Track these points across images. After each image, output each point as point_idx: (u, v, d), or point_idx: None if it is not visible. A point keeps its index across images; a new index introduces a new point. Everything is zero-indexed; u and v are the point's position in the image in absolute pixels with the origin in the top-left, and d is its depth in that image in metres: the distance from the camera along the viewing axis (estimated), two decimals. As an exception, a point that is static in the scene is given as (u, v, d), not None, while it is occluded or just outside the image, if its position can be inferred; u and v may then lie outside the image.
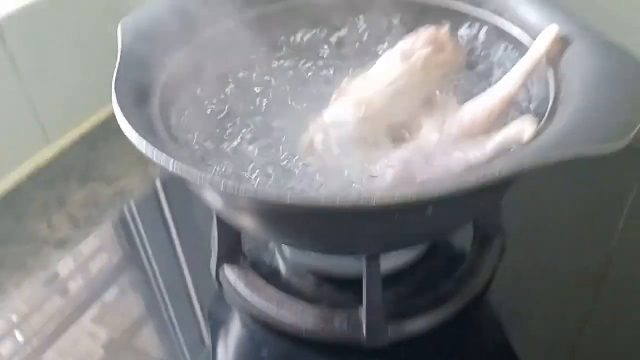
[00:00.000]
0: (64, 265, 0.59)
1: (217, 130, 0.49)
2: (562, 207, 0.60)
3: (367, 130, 0.45)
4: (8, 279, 0.58)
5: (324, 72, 0.55)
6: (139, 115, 0.43)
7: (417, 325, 0.48)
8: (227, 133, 0.49)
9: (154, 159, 0.37)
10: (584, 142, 0.34)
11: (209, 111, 0.51)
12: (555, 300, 0.51)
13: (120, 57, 0.47)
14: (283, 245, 0.55)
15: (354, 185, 0.42)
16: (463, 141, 0.43)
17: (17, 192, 0.68)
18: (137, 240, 0.62)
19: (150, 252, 0.60)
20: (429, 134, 0.45)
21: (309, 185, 0.44)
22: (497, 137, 0.42)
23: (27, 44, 0.67)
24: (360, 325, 0.47)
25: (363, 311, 0.46)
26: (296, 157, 0.46)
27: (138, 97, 0.45)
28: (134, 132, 0.38)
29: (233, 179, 0.36)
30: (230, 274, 0.53)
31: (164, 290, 0.56)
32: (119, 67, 0.45)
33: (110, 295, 0.57)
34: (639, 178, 0.63)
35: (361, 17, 0.57)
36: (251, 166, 0.45)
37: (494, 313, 0.51)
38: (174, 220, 0.63)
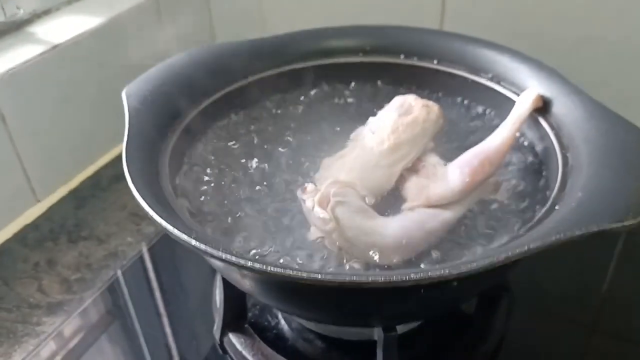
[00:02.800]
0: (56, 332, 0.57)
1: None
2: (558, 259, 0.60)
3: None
4: (-3, 348, 0.55)
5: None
6: (150, 182, 0.42)
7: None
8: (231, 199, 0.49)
9: (176, 237, 0.36)
10: (604, 219, 0.35)
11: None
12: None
13: (128, 125, 0.46)
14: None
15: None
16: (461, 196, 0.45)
17: (5, 252, 0.65)
18: (126, 306, 0.60)
19: (136, 319, 0.58)
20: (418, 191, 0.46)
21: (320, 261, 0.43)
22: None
23: (16, 102, 0.65)
24: (374, 393, 0.46)
25: (377, 379, 0.45)
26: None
27: (148, 160, 0.45)
28: (152, 210, 0.37)
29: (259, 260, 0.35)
30: (235, 341, 0.51)
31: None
32: (128, 135, 0.44)
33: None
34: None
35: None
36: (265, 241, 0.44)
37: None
38: (163, 287, 0.62)
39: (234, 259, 0.34)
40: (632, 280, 0.58)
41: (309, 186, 0.43)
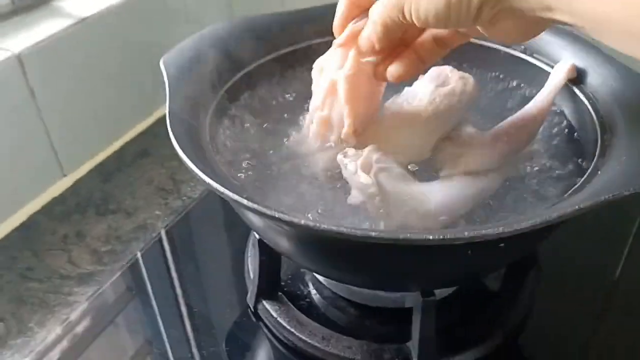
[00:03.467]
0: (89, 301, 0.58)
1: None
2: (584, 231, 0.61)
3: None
4: (30, 316, 0.56)
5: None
6: (194, 147, 0.43)
7: (465, 358, 0.48)
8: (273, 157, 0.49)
9: (230, 198, 0.36)
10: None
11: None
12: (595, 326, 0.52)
13: (169, 93, 0.46)
14: (321, 277, 0.54)
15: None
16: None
17: (33, 225, 0.66)
18: (158, 277, 0.60)
19: (170, 288, 0.59)
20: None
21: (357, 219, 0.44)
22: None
23: (44, 76, 0.66)
24: (410, 359, 0.47)
25: (414, 345, 0.46)
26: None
27: (188, 125, 0.45)
28: (204, 174, 0.38)
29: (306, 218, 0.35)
30: (270, 308, 0.52)
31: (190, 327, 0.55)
32: (170, 103, 0.45)
33: (138, 334, 0.55)
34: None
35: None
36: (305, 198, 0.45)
37: (536, 342, 0.52)
38: (194, 257, 0.63)
39: (287, 217, 0.35)
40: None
41: (350, 150, 0.43)
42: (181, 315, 0.56)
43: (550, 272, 0.56)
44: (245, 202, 0.36)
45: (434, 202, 0.42)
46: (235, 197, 0.36)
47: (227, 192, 0.36)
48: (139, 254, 0.61)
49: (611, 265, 0.58)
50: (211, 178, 0.37)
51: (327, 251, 0.40)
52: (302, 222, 0.34)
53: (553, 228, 0.37)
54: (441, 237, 0.32)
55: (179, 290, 0.58)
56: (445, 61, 0.53)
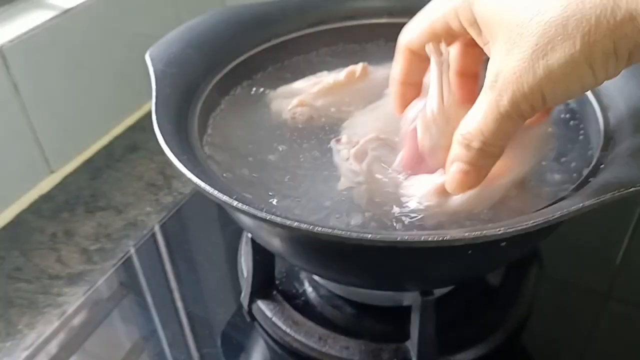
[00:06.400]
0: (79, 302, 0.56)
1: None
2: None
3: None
4: (19, 318, 0.54)
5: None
6: (181, 143, 0.41)
7: (466, 357, 0.47)
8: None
9: (218, 199, 0.35)
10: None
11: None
12: (597, 322, 0.51)
13: (155, 89, 0.44)
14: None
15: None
16: None
17: (20, 223, 0.64)
18: (150, 276, 0.59)
19: (163, 287, 0.57)
20: None
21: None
22: None
23: (28, 70, 0.64)
24: (409, 359, 0.46)
25: (413, 344, 0.45)
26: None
27: (176, 122, 0.43)
28: (192, 174, 0.36)
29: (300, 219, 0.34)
30: (265, 308, 0.51)
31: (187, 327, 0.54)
32: (156, 100, 0.43)
33: (130, 334, 0.54)
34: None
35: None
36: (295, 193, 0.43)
37: (538, 339, 0.51)
38: (186, 256, 0.61)
39: (278, 219, 0.33)
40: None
41: (344, 138, 0.44)
42: (175, 316, 0.54)
43: (552, 267, 0.54)
44: (235, 203, 0.34)
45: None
46: (224, 198, 0.34)
47: (215, 193, 0.35)
48: (132, 250, 0.60)
49: (613, 257, 0.57)
50: (199, 178, 0.36)
51: (321, 252, 0.39)
52: (295, 224, 0.33)
53: (555, 226, 0.35)
54: (440, 238, 0.31)
55: (172, 290, 0.57)
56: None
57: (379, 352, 0.47)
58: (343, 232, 0.32)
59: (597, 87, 0.46)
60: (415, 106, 0.41)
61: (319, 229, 0.32)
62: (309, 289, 0.53)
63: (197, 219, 0.64)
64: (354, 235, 0.32)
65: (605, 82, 0.43)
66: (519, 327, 0.49)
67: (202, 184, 0.35)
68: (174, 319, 0.54)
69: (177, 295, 0.56)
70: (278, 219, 0.33)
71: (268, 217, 0.33)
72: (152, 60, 0.47)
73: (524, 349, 0.49)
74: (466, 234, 0.31)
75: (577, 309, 0.52)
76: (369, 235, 0.32)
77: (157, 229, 0.63)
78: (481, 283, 0.53)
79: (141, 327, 0.54)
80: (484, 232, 0.31)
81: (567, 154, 0.45)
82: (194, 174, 0.36)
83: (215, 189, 0.35)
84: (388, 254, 0.35)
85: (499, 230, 0.31)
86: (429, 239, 0.31)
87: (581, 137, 0.46)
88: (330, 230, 0.32)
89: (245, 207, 0.34)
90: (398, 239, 0.32)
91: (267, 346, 0.50)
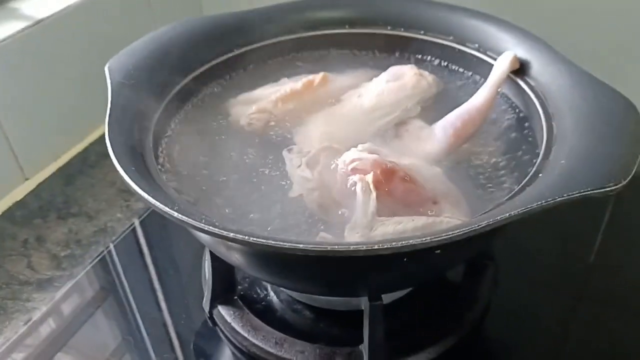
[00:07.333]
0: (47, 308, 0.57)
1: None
2: (544, 229, 0.61)
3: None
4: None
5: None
6: (134, 157, 0.42)
7: (419, 358, 0.48)
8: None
9: (160, 210, 0.36)
10: (587, 185, 0.35)
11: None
12: (552, 323, 0.52)
13: (111, 104, 0.45)
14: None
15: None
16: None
17: (-6, 230, 0.65)
18: (117, 281, 0.60)
19: (130, 292, 0.58)
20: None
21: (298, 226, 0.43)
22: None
23: (2, 79, 0.65)
24: (361, 363, 0.47)
25: (365, 349, 0.46)
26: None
27: (129, 134, 0.44)
28: (137, 186, 0.37)
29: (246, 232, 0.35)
30: (225, 313, 0.52)
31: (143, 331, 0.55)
32: (109, 118, 0.44)
33: (95, 341, 0.55)
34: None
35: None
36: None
37: (492, 343, 0.52)
38: (154, 261, 0.62)
39: (216, 230, 0.34)
40: (618, 249, 0.59)
41: (296, 147, 0.46)
42: (137, 322, 0.55)
43: (506, 268, 0.55)
44: (174, 214, 0.35)
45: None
46: (166, 209, 0.35)
47: (160, 205, 0.36)
48: (101, 256, 0.61)
49: (581, 256, 0.58)
50: (154, 198, 0.37)
51: (265, 261, 0.40)
52: (231, 234, 0.34)
53: (489, 234, 0.36)
54: (369, 247, 0.32)
55: (137, 296, 0.58)
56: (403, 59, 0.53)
57: (333, 355, 0.48)
58: (275, 242, 0.33)
59: (543, 95, 0.47)
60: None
61: (254, 239, 0.33)
62: (271, 294, 0.54)
63: (166, 225, 0.65)
64: (287, 245, 0.33)
65: (551, 90, 0.44)
66: (473, 328, 0.50)
67: (158, 204, 0.36)
68: (136, 326, 0.55)
69: (142, 301, 0.57)
70: (215, 230, 0.34)
71: (206, 227, 0.34)
72: (110, 72, 0.48)
73: (477, 350, 0.50)
74: (393, 244, 0.32)
75: (534, 310, 0.53)
76: (301, 245, 0.33)
77: (126, 235, 0.64)
78: (439, 287, 0.54)
79: (106, 333, 0.55)
80: (411, 241, 0.32)
81: (518, 157, 0.47)
82: (148, 194, 0.37)
83: (158, 200, 0.36)
84: (327, 262, 0.36)
85: (426, 239, 0.32)
86: (358, 248, 0.32)
87: (528, 148, 0.47)
88: (264, 240, 0.33)
89: (184, 218, 0.35)
90: (328, 248, 0.33)
91: (228, 351, 0.51)
